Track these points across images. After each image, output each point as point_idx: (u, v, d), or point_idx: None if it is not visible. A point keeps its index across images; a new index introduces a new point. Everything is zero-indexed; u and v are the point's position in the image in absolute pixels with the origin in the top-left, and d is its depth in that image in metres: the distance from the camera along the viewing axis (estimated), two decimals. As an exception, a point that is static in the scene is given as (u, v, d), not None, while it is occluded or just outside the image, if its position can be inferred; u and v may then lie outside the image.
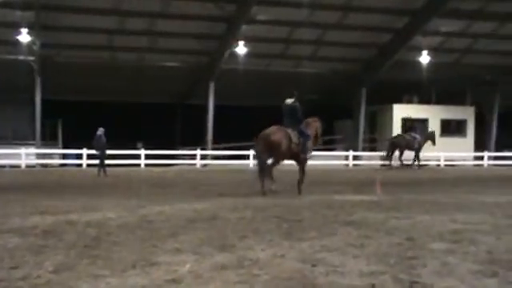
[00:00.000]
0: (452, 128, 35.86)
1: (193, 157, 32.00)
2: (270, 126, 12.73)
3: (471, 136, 36.74)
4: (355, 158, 33.59)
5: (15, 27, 27.19)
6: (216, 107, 32.89)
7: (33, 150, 30.36)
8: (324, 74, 33.58)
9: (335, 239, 6.07)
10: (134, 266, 4.81)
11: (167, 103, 37.71)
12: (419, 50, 32.31)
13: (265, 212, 8.53)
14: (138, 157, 30.08)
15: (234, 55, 30.61)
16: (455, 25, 31.33)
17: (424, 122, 34.52)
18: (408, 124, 32.58)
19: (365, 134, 36.02)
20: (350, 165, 32.87)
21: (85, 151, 28.50)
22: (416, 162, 28.55)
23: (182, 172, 25.23)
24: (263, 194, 11.92)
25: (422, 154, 29.30)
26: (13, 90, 31.02)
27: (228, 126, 34.17)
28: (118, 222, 7.49)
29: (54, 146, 33.55)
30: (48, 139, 33.55)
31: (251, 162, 30.76)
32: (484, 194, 12.04)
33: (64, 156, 32.30)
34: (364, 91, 34.80)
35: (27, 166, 28.90)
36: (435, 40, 32.57)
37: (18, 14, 26.53)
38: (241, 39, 29.92)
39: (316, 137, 13.54)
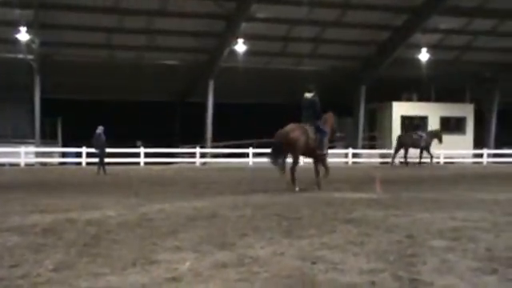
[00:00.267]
0: (451, 125, 35.84)
1: (192, 155, 32.00)
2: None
3: (470, 133, 36.74)
4: (355, 155, 33.60)
5: (14, 26, 27.16)
6: (215, 105, 32.89)
7: (32, 149, 30.36)
8: (323, 72, 33.56)
9: (335, 237, 6.08)
10: (133, 264, 4.81)
11: (166, 101, 37.70)
12: (418, 48, 32.29)
13: (264, 210, 8.54)
14: (137, 155, 30.08)
15: (233, 53, 30.58)
16: (454, 22, 31.31)
17: (424, 119, 34.54)
18: (416, 122, 32.51)
19: (364, 131, 36.03)
20: (350, 162, 32.87)
21: (84, 149, 28.50)
22: (429, 160, 28.53)
23: (181, 170, 25.22)
24: (292, 189, 12.12)
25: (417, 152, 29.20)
26: (12, 89, 31.02)
27: (227, 124, 34.20)
28: (117, 220, 7.49)
29: (54, 144, 33.55)
30: (47, 138, 33.56)
31: (251, 160, 30.78)
32: (483, 192, 12.04)
33: (63, 154, 32.30)
34: (363, 89, 34.81)
35: (27, 165, 28.90)
36: (434, 37, 32.56)
37: (17, 12, 26.50)
38: (240, 37, 29.91)
39: (333, 132, 13.75)
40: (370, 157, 34.61)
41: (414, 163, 28.33)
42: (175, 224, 7.10)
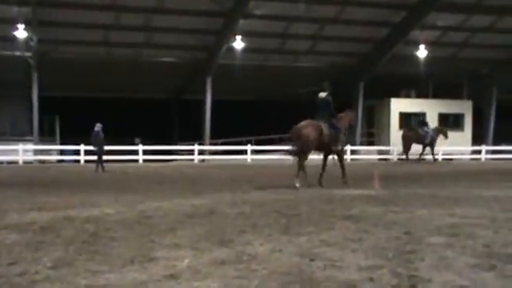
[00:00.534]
0: (449, 122, 35.88)
1: (191, 152, 32.00)
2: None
3: (469, 130, 36.80)
4: (353, 152, 33.62)
5: (12, 23, 27.14)
6: (213, 102, 32.87)
7: (30, 146, 30.35)
8: (321, 69, 33.58)
9: (333, 233, 6.07)
10: (132, 262, 4.80)
11: (165, 98, 37.71)
12: (416, 44, 32.32)
13: (263, 207, 8.53)
14: (135, 152, 30.07)
15: (231, 50, 30.57)
16: (452, 19, 31.35)
17: (422, 116, 34.55)
18: (421, 118, 32.45)
19: (362, 128, 36.04)
20: (348, 159, 32.86)
21: (82, 147, 28.48)
22: (432, 156, 28.54)
23: (179, 167, 25.21)
24: (304, 184, 12.32)
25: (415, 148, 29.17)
26: (10, 86, 31.01)
27: (226, 120, 34.20)
28: (116, 218, 7.49)
29: (52, 142, 33.55)
30: (46, 135, 33.55)
31: (249, 157, 30.78)
32: (482, 188, 12.04)
33: (62, 152, 32.30)
34: (362, 85, 34.83)
35: (25, 162, 28.89)
36: (432, 34, 32.58)
37: (15, 9, 26.49)
38: (238, 34, 29.88)
39: (350, 127, 14.13)
40: (369, 153, 34.62)
41: (414, 160, 28.29)
42: (174, 221, 7.10)
